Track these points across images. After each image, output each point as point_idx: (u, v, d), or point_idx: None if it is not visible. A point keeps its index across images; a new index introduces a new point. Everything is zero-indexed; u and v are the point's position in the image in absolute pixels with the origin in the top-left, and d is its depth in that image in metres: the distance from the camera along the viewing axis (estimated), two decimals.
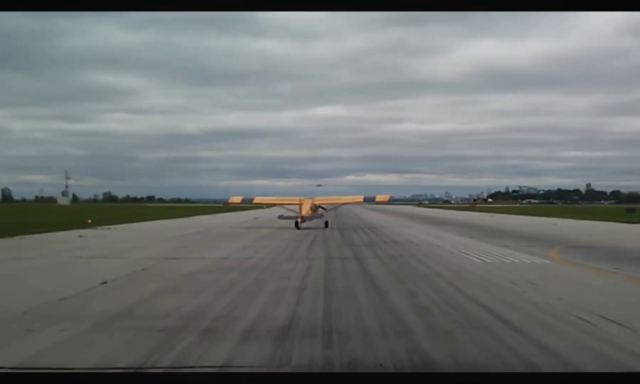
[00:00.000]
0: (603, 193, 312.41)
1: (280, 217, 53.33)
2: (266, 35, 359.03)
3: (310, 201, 52.16)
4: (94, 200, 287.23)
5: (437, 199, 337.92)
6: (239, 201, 62.34)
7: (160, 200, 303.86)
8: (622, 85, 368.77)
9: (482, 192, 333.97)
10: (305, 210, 50.28)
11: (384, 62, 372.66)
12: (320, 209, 53.38)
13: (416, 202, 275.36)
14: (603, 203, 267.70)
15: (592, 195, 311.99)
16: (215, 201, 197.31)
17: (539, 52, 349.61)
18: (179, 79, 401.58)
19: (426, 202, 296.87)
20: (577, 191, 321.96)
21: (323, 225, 50.74)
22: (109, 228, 49.94)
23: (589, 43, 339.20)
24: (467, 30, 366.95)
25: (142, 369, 9.10)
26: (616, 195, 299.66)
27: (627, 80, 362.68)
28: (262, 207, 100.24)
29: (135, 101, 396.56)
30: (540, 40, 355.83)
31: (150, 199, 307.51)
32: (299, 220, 48.94)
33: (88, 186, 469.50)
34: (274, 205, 69.77)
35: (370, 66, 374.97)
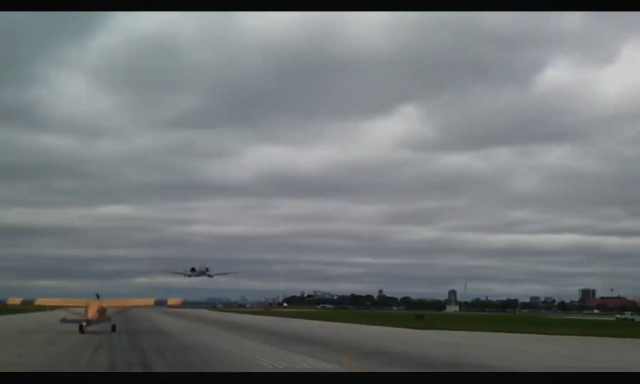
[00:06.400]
0: (394, 299, 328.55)
1: (63, 320, 49.48)
2: (47, 130, 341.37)
3: (97, 303, 49.59)
4: None
5: (232, 303, 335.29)
6: (19, 303, 57.86)
7: None
8: (404, 195, 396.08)
9: (278, 297, 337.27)
10: (92, 313, 47.47)
11: (173, 163, 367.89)
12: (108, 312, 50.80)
13: (211, 306, 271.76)
14: (394, 309, 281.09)
15: (383, 301, 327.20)
16: None
17: (325, 160, 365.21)
18: None
19: (220, 306, 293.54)
20: (369, 297, 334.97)
21: (110, 329, 48.08)
22: None
23: (372, 153, 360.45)
24: (254, 136, 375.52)
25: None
26: (406, 301, 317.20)
27: (408, 191, 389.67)
28: (45, 310, 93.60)
29: None
30: (326, 149, 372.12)
31: None
32: (84, 323, 46.01)
33: None
34: (58, 307, 65.38)
35: (159, 166, 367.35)
